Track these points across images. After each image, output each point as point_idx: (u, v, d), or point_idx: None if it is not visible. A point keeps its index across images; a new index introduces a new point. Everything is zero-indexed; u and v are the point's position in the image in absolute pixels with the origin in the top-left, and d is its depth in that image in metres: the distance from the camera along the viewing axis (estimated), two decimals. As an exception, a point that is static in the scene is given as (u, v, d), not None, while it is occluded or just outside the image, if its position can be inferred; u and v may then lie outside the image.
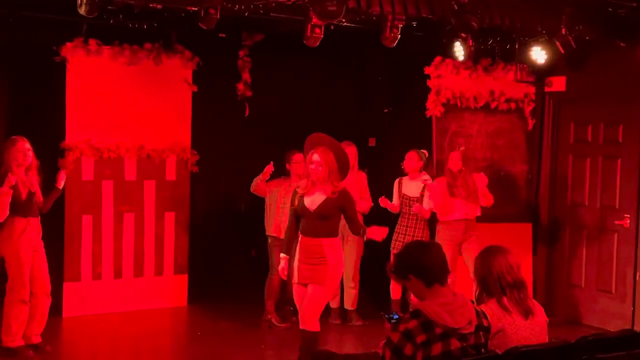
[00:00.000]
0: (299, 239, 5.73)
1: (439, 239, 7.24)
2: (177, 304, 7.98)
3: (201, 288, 8.35)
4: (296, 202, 5.73)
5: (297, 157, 7.18)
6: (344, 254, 7.44)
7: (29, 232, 6.11)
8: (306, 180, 5.74)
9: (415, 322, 3.48)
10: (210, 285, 8.45)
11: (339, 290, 7.58)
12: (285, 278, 5.99)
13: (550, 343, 4.09)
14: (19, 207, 6.05)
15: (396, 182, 7.46)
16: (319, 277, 5.61)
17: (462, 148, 7.45)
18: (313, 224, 5.65)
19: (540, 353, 3.78)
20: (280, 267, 5.83)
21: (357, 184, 7.48)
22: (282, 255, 5.81)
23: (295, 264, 5.70)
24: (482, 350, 3.63)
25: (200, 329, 7.28)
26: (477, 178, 7.32)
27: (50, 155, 7.06)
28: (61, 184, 6.33)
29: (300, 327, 5.65)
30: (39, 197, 6.18)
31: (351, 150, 7.46)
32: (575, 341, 3.98)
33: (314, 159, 5.66)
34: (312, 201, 5.66)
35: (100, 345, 6.84)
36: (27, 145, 6.10)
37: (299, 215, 5.74)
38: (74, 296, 7.41)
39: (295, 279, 5.73)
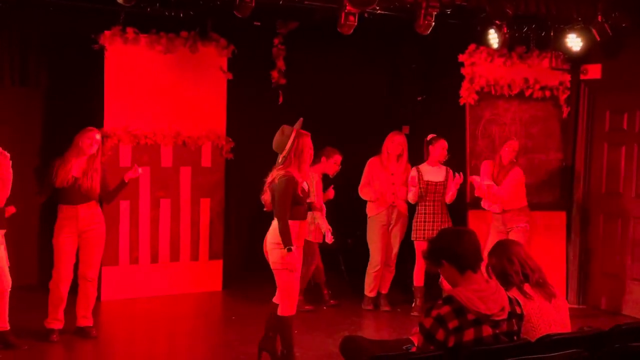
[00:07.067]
0: (295, 226, 5.52)
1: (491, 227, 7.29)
2: (212, 289, 8.10)
3: (235, 273, 8.48)
4: (299, 191, 5.52)
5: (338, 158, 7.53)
6: (391, 238, 7.52)
7: (73, 218, 6.25)
8: (306, 167, 5.60)
9: (447, 308, 3.52)
10: (244, 270, 8.56)
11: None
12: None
13: (584, 332, 4.11)
14: (61, 195, 6.24)
15: (413, 171, 7.42)
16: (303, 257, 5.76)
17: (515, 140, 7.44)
18: (305, 208, 5.67)
19: (573, 341, 3.79)
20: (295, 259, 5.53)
21: (406, 173, 7.52)
22: (293, 248, 5.46)
23: (294, 250, 5.48)
24: (515, 337, 3.66)
25: (235, 313, 7.39)
26: (513, 174, 7.25)
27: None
28: (128, 178, 6.44)
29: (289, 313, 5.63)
30: (90, 185, 6.26)
31: (401, 140, 7.51)
32: (608, 330, 3.99)
33: (310, 145, 5.60)
34: (307, 187, 5.68)
35: (136, 328, 6.98)
36: (98, 136, 6.30)
37: (299, 202, 5.55)
38: (111, 280, 7.56)
39: (298, 265, 5.59)
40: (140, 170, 6.48)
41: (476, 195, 7.36)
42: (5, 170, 5.81)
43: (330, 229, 6.78)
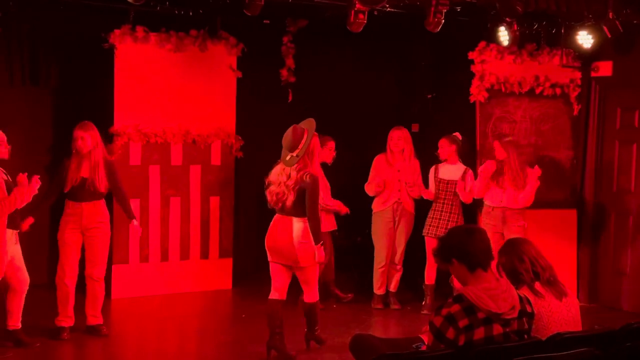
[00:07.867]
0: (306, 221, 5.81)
1: (481, 224, 7.24)
2: (222, 287, 8.11)
3: (245, 271, 8.49)
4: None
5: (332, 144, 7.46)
6: (396, 236, 7.51)
7: (78, 215, 6.26)
8: (317, 166, 5.90)
9: (458, 307, 3.51)
10: (254, 268, 8.56)
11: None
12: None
13: (594, 330, 4.11)
14: (69, 191, 6.27)
15: (432, 169, 7.49)
16: None
17: (509, 139, 7.38)
18: None
19: (583, 339, 3.77)
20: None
21: (412, 168, 7.51)
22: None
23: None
24: (525, 336, 3.65)
25: (245, 311, 7.40)
26: (531, 173, 7.20)
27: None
28: (133, 221, 6.54)
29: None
30: (99, 183, 6.26)
31: (401, 134, 7.49)
32: (619, 328, 3.98)
33: (319, 144, 5.94)
34: None
35: (146, 326, 6.99)
36: (81, 133, 6.20)
37: None
38: (122, 278, 7.58)
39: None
40: (140, 230, 6.64)
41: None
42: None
43: (336, 226, 6.83)
